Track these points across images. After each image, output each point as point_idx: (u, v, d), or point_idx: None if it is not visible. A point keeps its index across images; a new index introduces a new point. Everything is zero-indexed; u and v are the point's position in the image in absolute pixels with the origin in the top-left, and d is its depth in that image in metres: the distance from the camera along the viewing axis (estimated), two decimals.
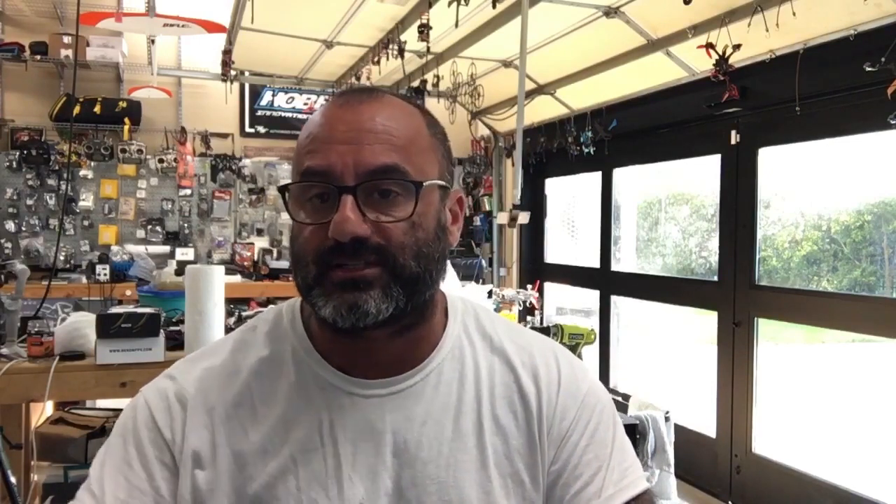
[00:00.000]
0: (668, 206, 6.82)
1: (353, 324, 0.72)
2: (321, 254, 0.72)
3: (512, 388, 0.82)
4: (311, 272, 0.74)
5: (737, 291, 3.33)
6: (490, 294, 3.76)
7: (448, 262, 0.83)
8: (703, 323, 4.91)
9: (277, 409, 0.78)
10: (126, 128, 5.21)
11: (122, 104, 5.25)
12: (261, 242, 5.74)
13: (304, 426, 0.77)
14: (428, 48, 3.20)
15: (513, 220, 2.72)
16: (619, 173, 4.45)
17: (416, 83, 4.18)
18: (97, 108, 5.13)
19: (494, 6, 2.82)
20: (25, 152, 5.14)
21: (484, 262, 5.41)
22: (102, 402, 3.01)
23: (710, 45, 2.83)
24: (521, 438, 0.80)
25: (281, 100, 5.87)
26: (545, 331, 3.07)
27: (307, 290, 0.75)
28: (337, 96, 0.78)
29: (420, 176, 0.74)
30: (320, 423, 0.77)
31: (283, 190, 0.76)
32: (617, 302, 4.50)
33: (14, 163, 5.15)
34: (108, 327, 2.15)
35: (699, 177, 5.53)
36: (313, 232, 0.73)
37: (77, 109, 4.99)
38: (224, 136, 5.70)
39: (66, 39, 5.00)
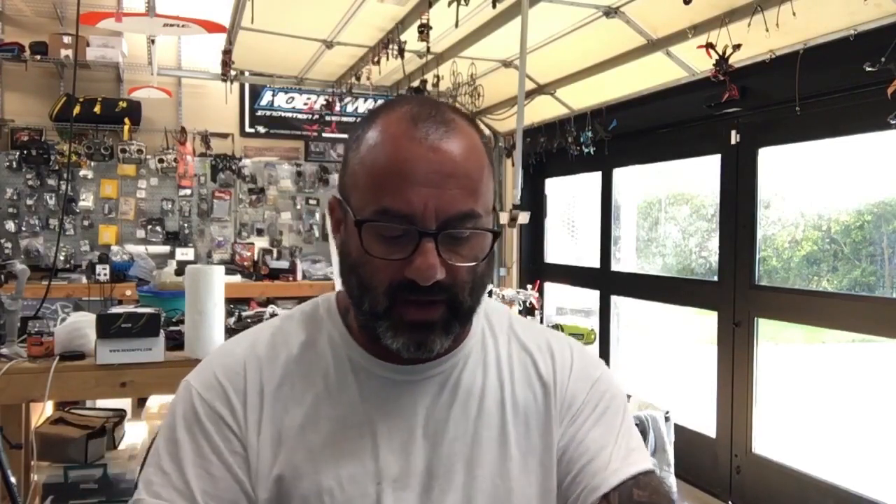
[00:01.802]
0: (668, 206, 6.83)
1: (417, 357, 0.78)
2: (393, 288, 0.75)
3: (530, 372, 0.88)
4: (381, 304, 0.76)
5: (737, 291, 3.33)
6: (490, 294, 3.76)
7: None
8: (703, 323, 4.91)
9: (315, 388, 0.82)
10: (126, 128, 5.21)
11: (122, 104, 5.25)
12: (261, 242, 5.73)
13: (340, 405, 0.82)
14: (428, 48, 3.20)
15: (513, 220, 2.72)
16: (619, 173, 4.45)
17: (416, 83, 4.18)
18: (97, 108, 5.13)
19: (494, 6, 2.81)
20: (25, 152, 5.14)
21: None
22: (102, 402, 3.01)
23: (710, 45, 2.83)
24: (539, 419, 0.85)
25: (281, 100, 5.87)
26: None
27: (374, 317, 0.77)
28: (409, 120, 0.75)
29: (487, 212, 0.77)
30: (356, 403, 0.82)
31: (359, 224, 0.75)
32: (617, 302, 4.50)
33: (14, 163, 5.15)
34: (108, 327, 2.15)
35: (699, 177, 5.54)
36: (386, 265, 0.75)
37: (77, 109, 4.99)
38: (224, 136, 5.70)
39: (66, 39, 5.00)
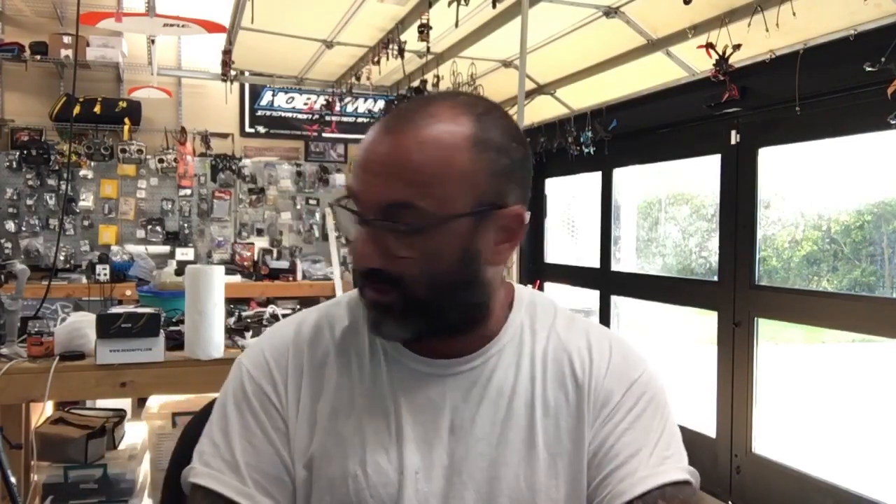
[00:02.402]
0: (668, 206, 6.83)
1: (380, 336, 0.83)
2: (358, 272, 0.80)
3: (565, 371, 0.85)
4: (358, 284, 0.82)
5: (737, 291, 3.33)
6: None
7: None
8: (703, 323, 4.91)
9: (350, 375, 0.85)
10: (126, 128, 5.21)
11: (122, 104, 5.25)
12: (261, 242, 5.73)
13: (371, 394, 0.84)
14: (428, 48, 3.20)
15: None
16: (619, 173, 4.45)
17: (416, 83, 4.18)
18: (97, 108, 5.13)
19: (494, 6, 2.81)
20: (25, 152, 5.14)
21: None
22: (102, 402, 3.01)
23: (710, 45, 2.83)
24: (570, 420, 0.83)
25: (281, 100, 5.87)
26: None
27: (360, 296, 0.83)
28: (394, 110, 0.79)
29: (441, 209, 0.73)
30: (385, 394, 0.83)
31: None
32: (617, 302, 4.50)
33: (14, 163, 5.15)
34: (108, 327, 2.15)
35: (699, 177, 5.54)
36: (351, 248, 0.79)
37: (77, 109, 4.99)
38: (224, 136, 5.70)
39: (66, 39, 5.00)
